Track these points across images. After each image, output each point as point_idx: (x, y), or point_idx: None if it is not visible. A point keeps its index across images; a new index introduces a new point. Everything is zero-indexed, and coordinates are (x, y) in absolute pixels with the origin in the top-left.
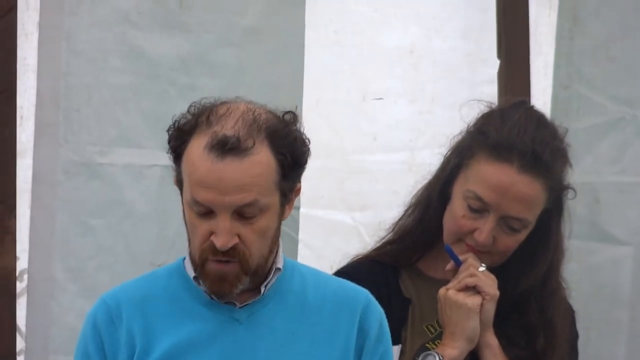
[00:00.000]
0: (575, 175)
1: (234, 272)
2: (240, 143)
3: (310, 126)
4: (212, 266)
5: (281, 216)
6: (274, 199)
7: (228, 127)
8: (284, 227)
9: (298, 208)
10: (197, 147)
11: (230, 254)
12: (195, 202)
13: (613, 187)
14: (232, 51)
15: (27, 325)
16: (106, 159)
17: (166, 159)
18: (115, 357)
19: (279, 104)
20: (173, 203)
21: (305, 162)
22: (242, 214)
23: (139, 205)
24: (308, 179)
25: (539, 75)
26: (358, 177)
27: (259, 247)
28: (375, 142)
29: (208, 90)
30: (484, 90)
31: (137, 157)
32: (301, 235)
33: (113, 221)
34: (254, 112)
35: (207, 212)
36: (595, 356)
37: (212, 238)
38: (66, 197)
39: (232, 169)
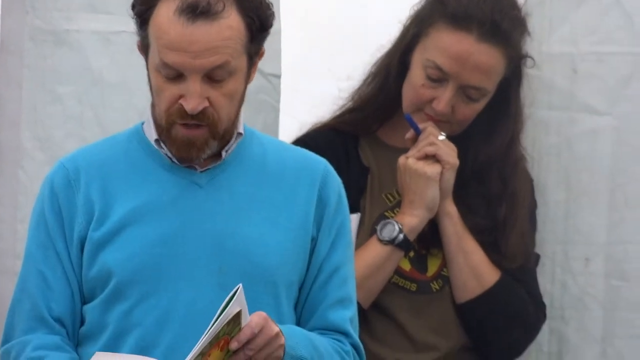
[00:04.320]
0: (552, 46)
1: (203, 136)
2: (211, 7)
3: None
4: (180, 131)
5: (247, 79)
6: (242, 62)
7: None
8: (264, 96)
9: (278, 76)
10: (166, 11)
11: (200, 118)
12: (165, 65)
13: (591, 57)
14: None
15: None
16: (73, 25)
17: (134, 26)
18: (72, 221)
19: None
20: (142, 70)
21: (271, 25)
22: (212, 77)
23: (107, 72)
24: (292, 47)
25: None
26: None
27: (227, 110)
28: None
29: None
30: None
31: (104, 23)
32: (282, 105)
33: (81, 89)
34: None
35: (176, 76)
36: (575, 227)
37: (182, 101)
38: (33, 65)
39: (203, 31)
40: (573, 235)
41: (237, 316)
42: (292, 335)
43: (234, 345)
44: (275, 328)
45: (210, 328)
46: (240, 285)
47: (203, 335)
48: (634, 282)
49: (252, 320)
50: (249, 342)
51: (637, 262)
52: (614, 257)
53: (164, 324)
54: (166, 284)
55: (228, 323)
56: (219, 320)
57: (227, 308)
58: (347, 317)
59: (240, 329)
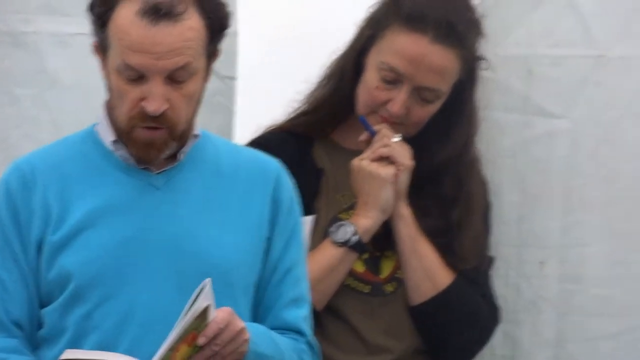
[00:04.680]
0: (508, 48)
1: (163, 137)
2: (173, 8)
3: None
4: (141, 133)
5: (205, 80)
6: (202, 63)
7: None
8: (220, 98)
9: (234, 78)
10: (127, 13)
11: (160, 120)
12: (128, 67)
13: (547, 60)
14: None
15: None
16: (30, 27)
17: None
18: (29, 224)
19: None
20: (99, 72)
21: (229, 25)
22: (173, 78)
23: (64, 74)
24: (248, 50)
25: None
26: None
27: (186, 111)
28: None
29: None
30: None
31: (62, 25)
32: (238, 107)
33: (37, 91)
34: None
35: (138, 78)
36: (530, 231)
37: (143, 103)
38: None
39: (166, 33)
40: (527, 239)
41: (205, 311)
42: (255, 332)
43: (201, 340)
44: (241, 323)
45: (180, 323)
46: (209, 279)
47: (173, 330)
48: (588, 286)
49: (218, 315)
50: (215, 337)
51: (592, 266)
52: (568, 260)
53: (123, 326)
54: (125, 286)
55: (196, 318)
56: (188, 315)
57: (196, 303)
58: (302, 316)
59: (207, 325)
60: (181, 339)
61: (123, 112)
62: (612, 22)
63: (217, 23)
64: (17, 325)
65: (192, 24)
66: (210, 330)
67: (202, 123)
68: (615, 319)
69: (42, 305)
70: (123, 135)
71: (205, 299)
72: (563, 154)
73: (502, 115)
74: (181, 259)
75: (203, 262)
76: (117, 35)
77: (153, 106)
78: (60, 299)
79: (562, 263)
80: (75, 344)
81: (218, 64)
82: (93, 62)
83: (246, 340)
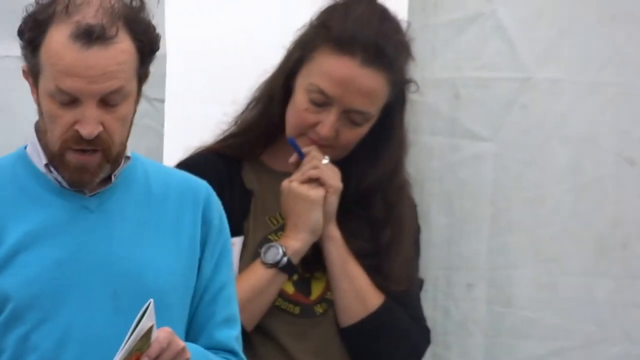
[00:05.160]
0: (435, 71)
1: (96, 161)
2: (105, 31)
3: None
4: (74, 157)
5: (137, 102)
6: (134, 86)
7: (90, 16)
8: (148, 121)
9: (162, 101)
10: (59, 37)
11: (94, 143)
12: (60, 91)
13: (473, 82)
14: None
15: None
16: None
17: (19, 50)
18: None
19: None
20: (26, 95)
21: (158, 48)
22: (107, 101)
23: None
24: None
25: None
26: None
27: (120, 134)
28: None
29: None
30: None
31: None
32: (167, 130)
33: None
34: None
35: (71, 102)
36: (458, 254)
37: (77, 127)
38: None
39: (98, 57)
40: (455, 261)
41: (149, 331)
42: (194, 352)
43: None
44: (181, 343)
45: (125, 343)
46: (152, 300)
47: (119, 351)
48: (517, 308)
49: (159, 335)
50: (157, 357)
51: (520, 288)
52: (496, 282)
53: (61, 348)
54: (63, 308)
55: (141, 338)
56: (133, 335)
57: (141, 323)
58: (234, 335)
59: (150, 345)
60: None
61: (55, 135)
62: (538, 45)
63: (147, 46)
64: None
65: (124, 47)
66: (153, 350)
67: (132, 145)
68: (543, 341)
69: None
70: (55, 159)
71: (149, 319)
72: (490, 176)
73: (430, 138)
74: (117, 280)
75: (139, 283)
76: (49, 60)
77: (87, 129)
78: None
79: (490, 286)
80: None
81: (147, 87)
82: (19, 84)
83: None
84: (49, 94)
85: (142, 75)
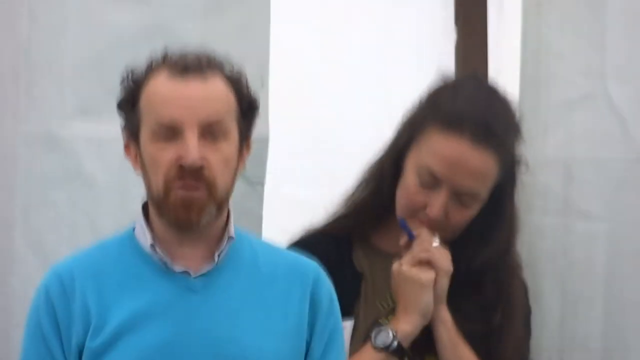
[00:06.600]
0: (548, 151)
1: (202, 198)
2: (201, 64)
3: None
4: (178, 194)
5: (239, 156)
6: (235, 131)
7: (187, 60)
8: (247, 203)
9: (263, 184)
10: (157, 80)
11: (198, 176)
12: (161, 126)
13: (586, 162)
14: (195, 24)
15: None
16: (66, 131)
17: None
18: (69, 331)
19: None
20: (135, 174)
21: (258, 108)
22: (207, 134)
23: (100, 177)
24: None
25: (508, 49)
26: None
27: (223, 175)
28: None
29: None
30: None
31: (98, 129)
32: (265, 212)
33: (74, 194)
34: (208, 53)
35: (172, 136)
36: (571, 336)
37: (180, 161)
38: (26, 171)
39: (196, 85)
40: (568, 343)
41: None
42: None
43: None
44: None
45: None
46: None
47: None
48: None
49: None
50: None
51: None
52: None
53: None
54: None
55: None
56: None
57: None
58: None
59: None
60: None
61: (159, 177)
62: None
63: (245, 99)
64: None
65: (220, 86)
66: None
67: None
68: None
69: None
70: (161, 203)
71: None
72: (603, 256)
73: (542, 218)
74: None
75: None
76: (148, 101)
77: (190, 157)
78: None
79: None
80: None
81: (247, 170)
82: (129, 164)
83: None
84: (150, 135)
85: (243, 128)
